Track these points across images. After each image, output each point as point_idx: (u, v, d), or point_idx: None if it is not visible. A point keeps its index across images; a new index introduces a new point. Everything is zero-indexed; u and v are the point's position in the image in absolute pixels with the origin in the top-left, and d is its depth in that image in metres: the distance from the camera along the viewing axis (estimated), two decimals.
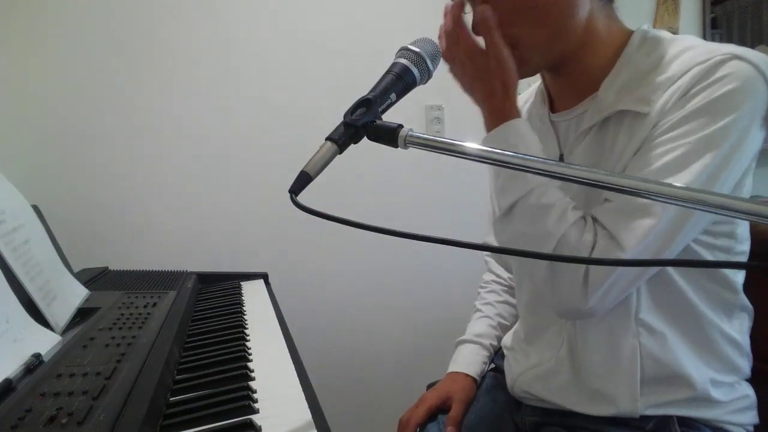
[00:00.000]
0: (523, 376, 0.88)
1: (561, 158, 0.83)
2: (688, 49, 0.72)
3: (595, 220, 0.73)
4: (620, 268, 0.70)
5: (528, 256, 0.80)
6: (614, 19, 0.80)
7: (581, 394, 0.80)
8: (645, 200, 0.68)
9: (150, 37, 1.60)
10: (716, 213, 0.45)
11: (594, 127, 0.78)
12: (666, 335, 0.76)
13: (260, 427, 0.63)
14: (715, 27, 2.47)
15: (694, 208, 0.46)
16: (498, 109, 0.76)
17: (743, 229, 0.77)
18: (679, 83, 0.69)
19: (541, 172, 0.53)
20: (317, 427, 0.63)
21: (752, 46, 2.54)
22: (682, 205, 0.46)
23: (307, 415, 0.67)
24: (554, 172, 0.53)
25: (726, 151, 0.67)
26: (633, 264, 0.72)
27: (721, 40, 2.51)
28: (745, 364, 0.81)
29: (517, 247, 0.77)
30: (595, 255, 0.70)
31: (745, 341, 0.81)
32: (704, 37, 2.37)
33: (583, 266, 0.71)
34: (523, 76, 0.78)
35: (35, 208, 1.04)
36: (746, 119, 0.67)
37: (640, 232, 0.68)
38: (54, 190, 1.55)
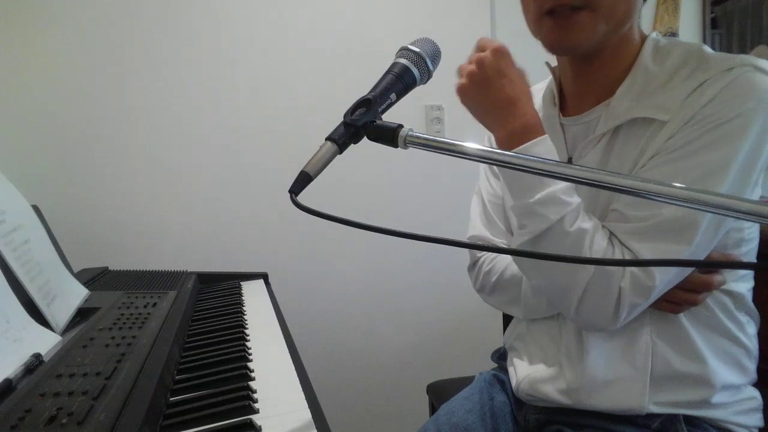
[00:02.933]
0: (528, 379, 0.88)
1: (569, 162, 0.83)
2: (704, 58, 0.72)
3: (613, 235, 0.73)
4: (652, 298, 0.71)
5: (532, 257, 0.79)
6: (639, 25, 0.80)
7: (588, 391, 0.80)
8: (674, 223, 0.68)
9: (149, 39, 1.60)
10: (716, 213, 0.45)
11: (606, 134, 0.78)
12: (681, 334, 0.77)
13: (260, 427, 0.63)
14: (715, 27, 2.47)
15: (694, 209, 0.46)
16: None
17: (751, 231, 0.78)
18: (698, 93, 0.69)
19: (554, 174, 0.53)
20: (317, 427, 0.63)
21: (752, 47, 2.53)
22: (682, 205, 0.46)
23: (307, 415, 0.67)
24: (569, 175, 0.52)
25: (745, 165, 0.68)
26: (634, 264, 0.72)
27: (721, 40, 2.51)
28: (753, 368, 0.82)
29: (546, 272, 0.76)
30: (628, 285, 0.70)
31: (753, 345, 0.82)
32: (704, 37, 2.37)
33: (616, 292, 0.71)
34: (573, 49, 0.77)
35: (35, 208, 1.04)
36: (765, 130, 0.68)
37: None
38: (54, 190, 1.55)
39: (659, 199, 0.47)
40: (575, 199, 0.73)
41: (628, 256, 0.71)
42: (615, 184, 0.49)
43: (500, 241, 0.94)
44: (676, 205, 0.47)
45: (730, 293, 0.78)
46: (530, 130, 0.74)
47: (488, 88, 0.75)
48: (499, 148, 0.76)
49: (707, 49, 0.74)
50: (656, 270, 0.69)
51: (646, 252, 0.70)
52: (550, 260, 0.74)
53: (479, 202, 0.99)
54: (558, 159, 0.75)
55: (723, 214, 0.44)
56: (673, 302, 0.74)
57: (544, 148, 0.74)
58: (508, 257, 0.91)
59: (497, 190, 0.96)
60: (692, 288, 0.74)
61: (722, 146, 0.67)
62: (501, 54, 0.75)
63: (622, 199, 0.74)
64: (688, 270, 0.72)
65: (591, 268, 0.71)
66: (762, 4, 2.40)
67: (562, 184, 0.72)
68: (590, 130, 0.81)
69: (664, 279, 0.70)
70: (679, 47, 0.76)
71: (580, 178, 0.51)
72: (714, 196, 0.44)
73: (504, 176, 0.78)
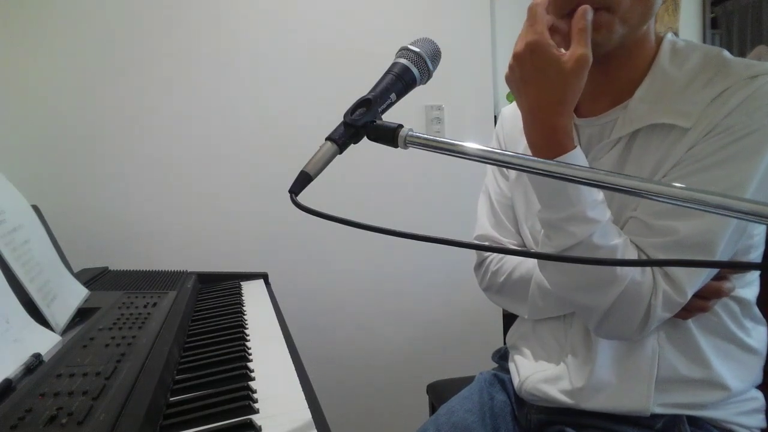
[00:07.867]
0: (531, 379, 0.88)
1: None
2: (724, 63, 0.71)
3: (640, 249, 0.72)
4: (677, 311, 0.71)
5: (542, 258, 0.79)
6: (655, 27, 0.78)
7: (592, 392, 0.80)
8: (699, 236, 0.68)
9: (150, 39, 1.60)
10: (716, 213, 0.45)
11: (623, 138, 0.76)
12: (689, 340, 0.77)
13: (260, 427, 0.63)
14: (715, 27, 2.47)
15: (694, 208, 0.46)
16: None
17: (760, 238, 0.78)
18: (720, 102, 0.68)
19: (570, 178, 0.52)
20: (317, 427, 0.64)
21: (752, 47, 2.53)
22: (681, 205, 0.46)
23: (307, 415, 0.67)
24: (585, 179, 0.51)
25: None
26: (635, 264, 0.72)
27: (721, 40, 2.51)
28: (759, 371, 0.82)
29: (574, 287, 0.75)
30: (659, 303, 0.69)
31: (759, 349, 0.82)
32: (704, 37, 2.37)
33: (644, 308, 0.70)
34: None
35: (35, 208, 1.04)
36: None
37: (699, 274, 0.69)
38: (54, 190, 1.55)
39: (691, 206, 0.46)
40: (604, 216, 0.71)
41: (657, 271, 0.70)
42: (641, 190, 0.48)
43: (508, 242, 0.93)
44: (708, 212, 0.45)
45: (738, 299, 0.78)
46: (552, 145, 0.71)
47: (516, 91, 0.74)
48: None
49: (726, 53, 0.73)
50: (687, 286, 0.69)
51: (675, 266, 0.70)
52: (553, 260, 0.74)
53: (486, 201, 0.98)
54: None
55: (747, 220, 0.44)
56: (685, 309, 0.74)
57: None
58: (516, 257, 0.90)
59: (505, 190, 0.95)
60: (703, 295, 0.73)
61: (746, 158, 0.67)
62: (532, 51, 0.69)
63: (642, 207, 0.73)
64: (710, 279, 0.72)
65: (620, 286, 0.70)
66: (762, 4, 2.40)
67: (591, 199, 0.70)
68: (605, 133, 0.79)
69: (693, 289, 0.70)
70: (698, 51, 0.75)
71: (602, 182, 0.50)
72: (710, 195, 0.44)
73: (531, 181, 0.76)
